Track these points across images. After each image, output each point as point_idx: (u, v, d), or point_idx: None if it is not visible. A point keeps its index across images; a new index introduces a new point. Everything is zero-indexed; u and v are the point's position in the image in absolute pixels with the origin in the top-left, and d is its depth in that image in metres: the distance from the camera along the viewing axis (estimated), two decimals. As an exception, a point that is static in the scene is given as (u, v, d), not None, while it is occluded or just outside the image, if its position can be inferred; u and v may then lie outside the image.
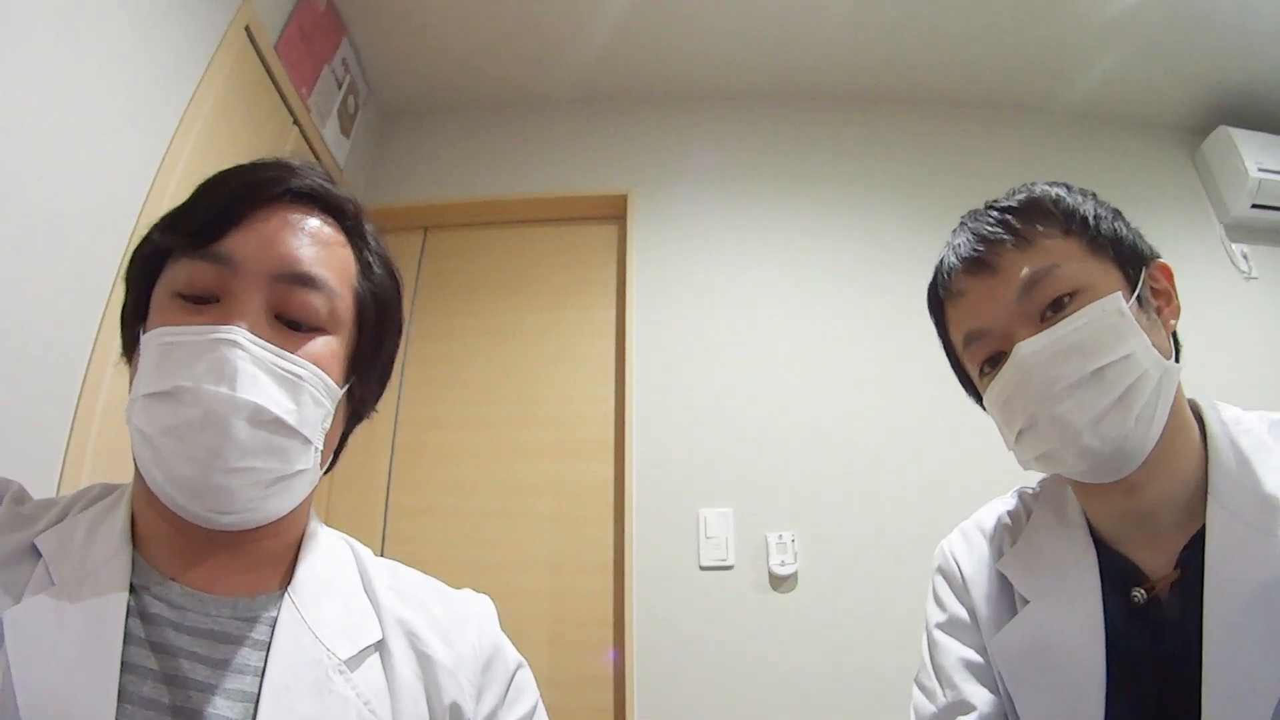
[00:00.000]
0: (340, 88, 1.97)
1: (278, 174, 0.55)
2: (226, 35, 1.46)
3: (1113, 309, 0.60)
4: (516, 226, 2.15)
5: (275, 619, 0.52)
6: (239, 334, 0.49)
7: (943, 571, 0.76)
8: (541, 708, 0.63)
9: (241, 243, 0.51)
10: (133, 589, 0.49)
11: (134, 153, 1.24)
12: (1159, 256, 0.68)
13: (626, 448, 1.81)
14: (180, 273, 0.52)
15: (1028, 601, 0.67)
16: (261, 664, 0.50)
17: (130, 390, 0.51)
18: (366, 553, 0.63)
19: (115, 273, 1.17)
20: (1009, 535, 0.73)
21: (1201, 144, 2.25)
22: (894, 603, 1.61)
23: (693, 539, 1.72)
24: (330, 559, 0.59)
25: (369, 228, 0.60)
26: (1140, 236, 0.68)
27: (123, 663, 0.45)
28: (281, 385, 0.50)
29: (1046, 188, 0.67)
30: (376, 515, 1.84)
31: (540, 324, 2.02)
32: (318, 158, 1.86)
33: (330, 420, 0.54)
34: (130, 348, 0.54)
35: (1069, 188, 0.68)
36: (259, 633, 0.51)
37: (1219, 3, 1.93)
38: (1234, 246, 2.15)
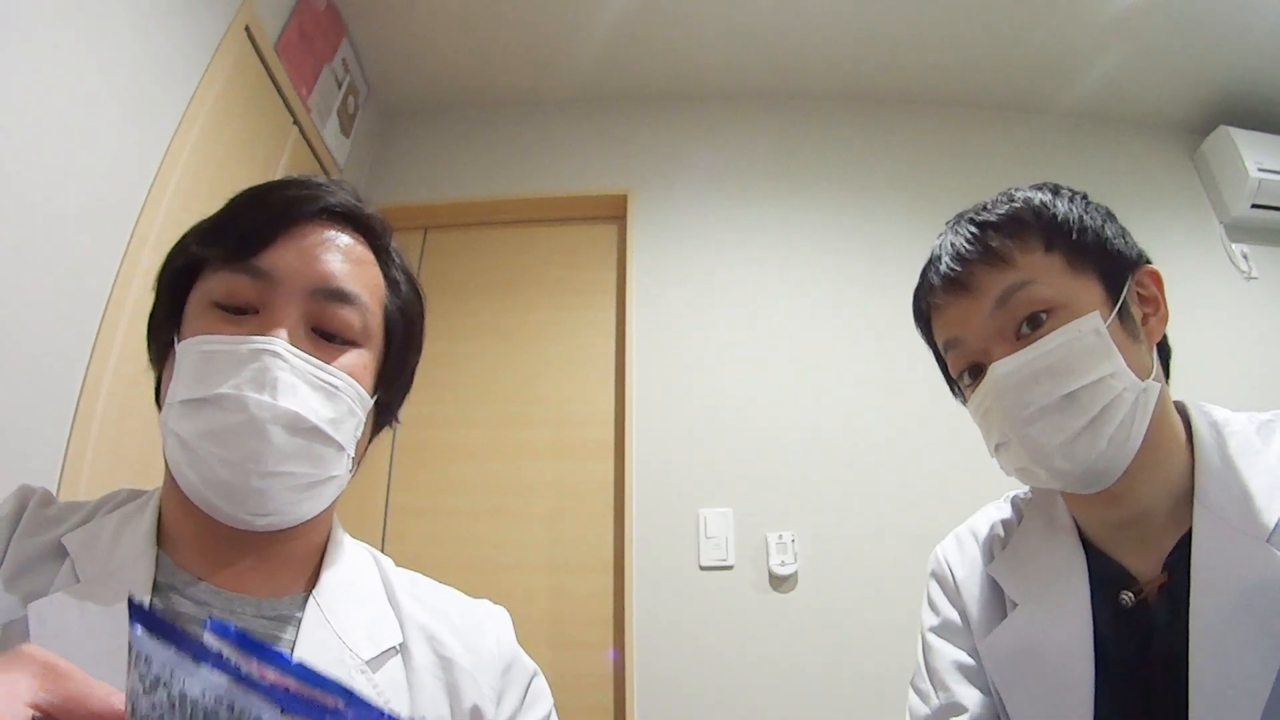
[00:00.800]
0: (340, 88, 1.97)
1: (312, 191, 0.57)
2: (226, 35, 1.46)
3: (1089, 329, 0.60)
4: (516, 226, 2.15)
5: (300, 619, 0.54)
6: (279, 345, 0.50)
7: (936, 575, 0.76)
8: (555, 716, 0.64)
9: (281, 257, 0.53)
10: (160, 588, 0.51)
11: (134, 153, 1.24)
12: (1148, 261, 0.67)
13: (626, 448, 1.81)
14: (218, 284, 0.53)
15: (1017, 605, 0.67)
16: None
17: (164, 396, 0.53)
18: (388, 561, 0.65)
19: (115, 273, 1.18)
20: (1000, 540, 0.74)
21: (1201, 144, 2.25)
22: (894, 603, 1.61)
23: (693, 539, 1.73)
24: (353, 564, 0.61)
25: (394, 245, 0.62)
26: (1130, 240, 0.67)
27: None
28: (319, 394, 0.52)
29: (1030, 195, 0.66)
30: (376, 515, 1.84)
31: (540, 324, 2.02)
32: (318, 158, 1.86)
33: (362, 429, 0.57)
34: (161, 355, 0.56)
35: (1057, 190, 0.67)
36: (284, 632, 0.53)
37: (1219, 3, 1.93)
38: (1234, 246, 2.15)
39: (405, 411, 0.66)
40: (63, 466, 1.06)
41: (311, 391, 0.51)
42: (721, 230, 2.06)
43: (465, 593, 0.66)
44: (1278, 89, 2.18)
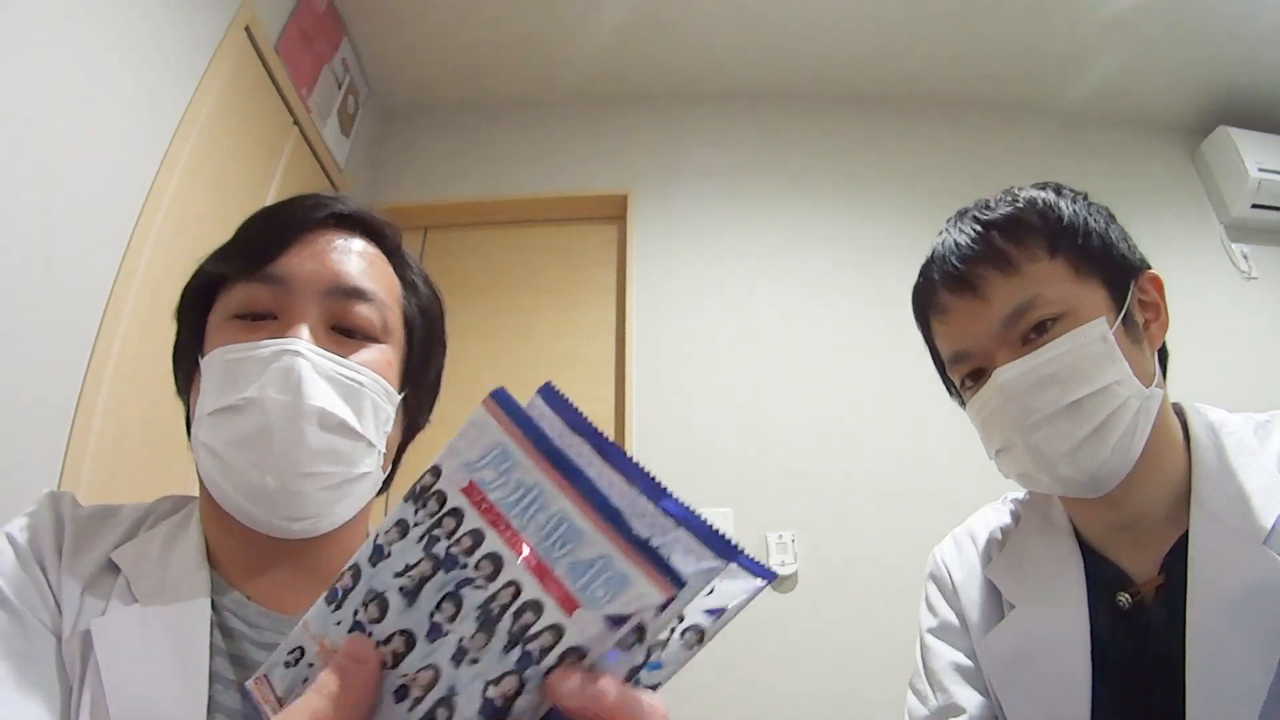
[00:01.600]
0: (340, 88, 1.97)
1: (320, 200, 0.58)
2: (226, 35, 1.46)
3: (1095, 336, 0.59)
4: (516, 226, 2.15)
5: None
6: (300, 344, 0.51)
7: (934, 577, 0.76)
8: None
9: (294, 263, 0.54)
10: (215, 608, 0.51)
11: (134, 153, 1.24)
12: (1149, 267, 0.66)
13: (626, 448, 1.80)
14: (236, 297, 0.54)
15: (1014, 606, 0.68)
16: None
17: (193, 412, 0.53)
18: None
19: (115, 273, 1.18)
20: (998, 542, 0.74)
21: (1201, 144, 2.25)
22: (894, 602, 1.60)
23: (692, 539, 1.72)
24: None
25: (406, 251, 0.63)
26: (1131, 244, 0.66)
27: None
28: (343, 391, 0.52)
29: (1035, 194, 0.65)
30: (377, 516, 1.83)
31: (540, 324, 2.02)
32: (318, 158, 1.86)
33: (391, 424, 0.57)
34: (188, 380, 0.56)
35: (1059, 190, 0.66)
36: None
37: (1219, 3, 1.93)
38: (1234, 246, 2.15)
39: (405, 412, 0.66)
40: (62, 467, 1.06)
41: (336, 387, 0.52)
42: (721, 230, 2.06)
43: None
44: (1277, 89, 2.18)
